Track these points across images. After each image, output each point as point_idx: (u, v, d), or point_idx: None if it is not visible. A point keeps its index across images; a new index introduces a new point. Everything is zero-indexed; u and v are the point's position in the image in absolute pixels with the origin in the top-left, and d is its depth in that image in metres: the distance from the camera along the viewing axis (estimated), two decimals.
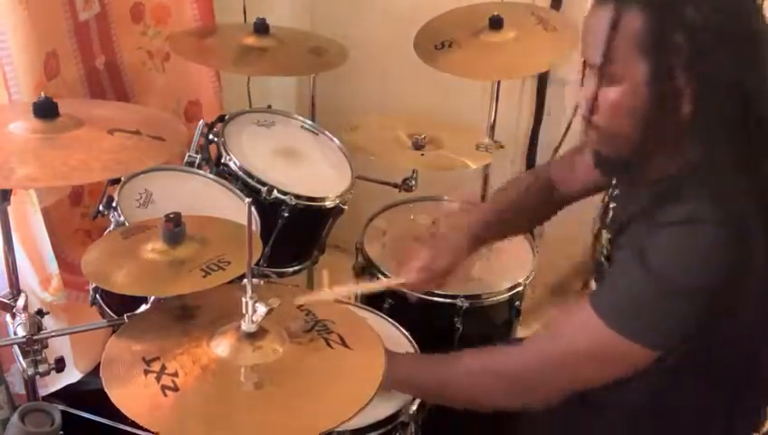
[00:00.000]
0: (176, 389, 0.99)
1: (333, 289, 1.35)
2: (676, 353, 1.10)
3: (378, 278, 1.72)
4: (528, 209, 1.56)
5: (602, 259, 1.28)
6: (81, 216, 1.92)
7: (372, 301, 1.75)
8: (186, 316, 1.16)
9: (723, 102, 1.05)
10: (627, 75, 1.08)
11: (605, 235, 1.28)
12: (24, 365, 1.31)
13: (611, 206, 1.30)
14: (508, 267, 1.80)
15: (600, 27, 1.09)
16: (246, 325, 1.05)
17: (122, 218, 1.52)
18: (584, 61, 1.16)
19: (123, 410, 0.96)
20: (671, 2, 1.05)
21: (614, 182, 1.31)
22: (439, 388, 1.29)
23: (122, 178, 1.60)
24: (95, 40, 1.97)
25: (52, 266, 1.73)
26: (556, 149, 1.25)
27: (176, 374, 1.02)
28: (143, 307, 1.37)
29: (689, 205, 1.06)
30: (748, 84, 1.05)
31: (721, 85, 1.05)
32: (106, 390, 1.00)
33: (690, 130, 1.08)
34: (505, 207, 1.56)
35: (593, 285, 1.33)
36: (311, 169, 1.94)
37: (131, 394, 1.00)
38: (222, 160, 1.81)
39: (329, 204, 1.85)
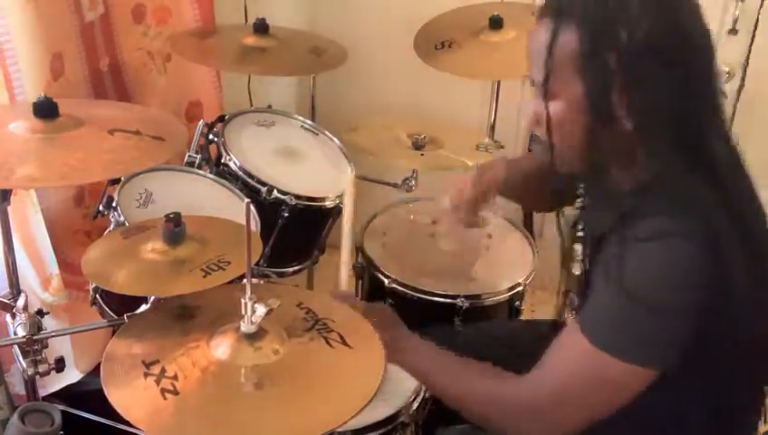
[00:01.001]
0: (175, 392, 0.99)
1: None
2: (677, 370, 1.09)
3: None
4: (538, 187, 1.54)
5: (581, 274, 1.28)
6: (82, 216, 1.93)
7: (372, 301, 1.75)
8: (186, 316, 1.16)
9: (661, 121, 1.06)
10: (565, 92, 1.09)
11: (578, 248, 1.28)
12: (24, 365, 1.31)
13: (581, 219, 1.30)
14: (508, 267, 1.80)
15: (539, 43, 1.09)
16: (246, 326, 1.05)
17: (122, 218, 1.52)
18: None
19: (124, 415, 0.96)
20: (605, 22, 1.04)
21: (580, 192, 1.31)
22: (455, 400, 1.27)
23: (122, 178, 1.60)
24: (100, 41, 1.98)
25: (53, 267, 1.73)
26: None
27: (175, 377, 1.01)
28: (143, 307, 1.37)
29: (656, 220, 1.06)
30: (684, 107, 1.05)
31: (657, 106, 1.05)
32: (106, 394, 1.00)
33: (635, 141, 1.08)
34: (526, 172, 1.54)
35: (574, 300, 1.33)
36: (311, 169, 1.95)
37: (131, 398, 0.99)
38: (222, 160, 1.81)
39: (329, 204, 1.85)
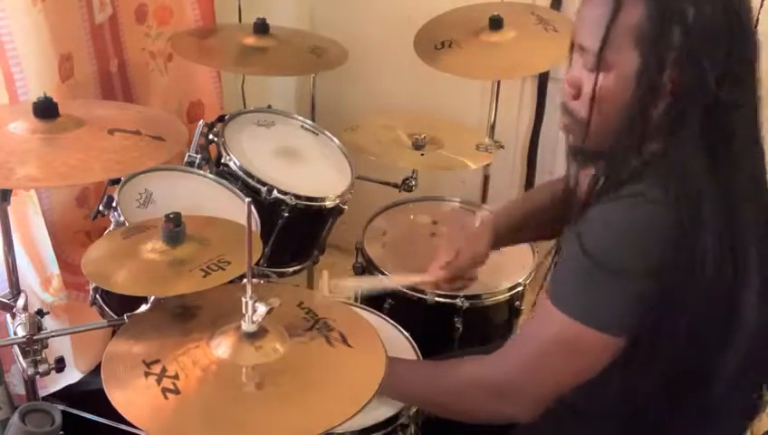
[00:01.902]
0: (177, 391, 0.99)
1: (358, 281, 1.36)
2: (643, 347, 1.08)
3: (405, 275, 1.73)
4: (552, 218, 1.55)
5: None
6: (84, 217, 1.93)
7: (372, 301, 1.75)
8: (186, 316, 1.16)
9: (696, 104, 1.06)
10: (617, 64, 1.08)
11: None
12: (24, 365, 1.31)
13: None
14: (508, 267, 1.80)
15: (599, 13, 1.08)
16: (247, 325, 1.05)
17: (122, 218, 1.51)
18: (571, 46, 1.15)
19: (125, 415, 0.96)
20: None
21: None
22: (429, 399, 1.28)
23: (122, 178, 1.60)
24: (108, 42, 1.98)
25: (53, 267, 1.73)
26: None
27: (176, 377, 1.01)
28: (143, 307, 1.37)
29: (635, 187, 1.05)
30: (722, 94, 1.05)
31: (700, 88, 1.05)
32: (107, 393, 1.00)
33: (660, 124, 1.08)
34: (531, 212, 1.56)
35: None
36: (311, 169, 1.94)
37: (132, 398, 0.99)
38: (222, 160, 1.81)
39: (329, 204, 1.85)
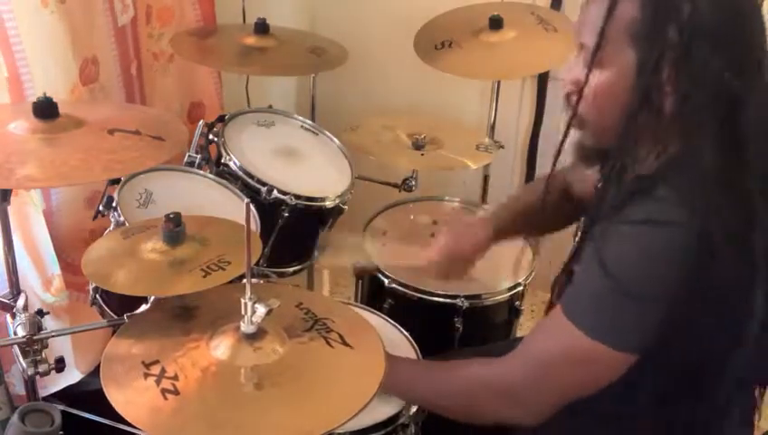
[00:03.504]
0: (176, 392, 0.99)
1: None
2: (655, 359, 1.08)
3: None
4: (548, 213, 1.55)
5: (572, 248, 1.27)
6: (90, 219, 1.93)
7: (372, 301, 1.75)
8: (185, 317, 1.16)
9: (706, 103, 1.04)
10: (614, 62, 1.07)
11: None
12: (24, 365, 1.31)
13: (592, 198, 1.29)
14: (508, 267, 1.80)
15: (596, 9, 1.08)
16: (246, 326, 1.05)
17: (122, 218, 1.51)
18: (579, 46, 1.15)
19: (124, 415, 0.96)
20: None
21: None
22: (435, 399, 1.28)
23: (122, 179, 1.60)
24: (130, 45, 1.98)
25: (54, 267, 1.73)
26: (558, 152, 1.23)
27: (176, 377, 1.01)
28: (143, 307, 1.37)
29: (651, 205, 1.04)
30: (732, 91, 1.03)
31: (706, 87, 1.03)
32: (106, 394, 1.00)
33: (672, 126, 1.06)
34: (529, 207, 1.55)
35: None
36: (311, 169, 1.94)
37: (131, 399, 0.99)
38: (222, 160, 1.81)
39: (329, 204, 1.85)
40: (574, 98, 1.14)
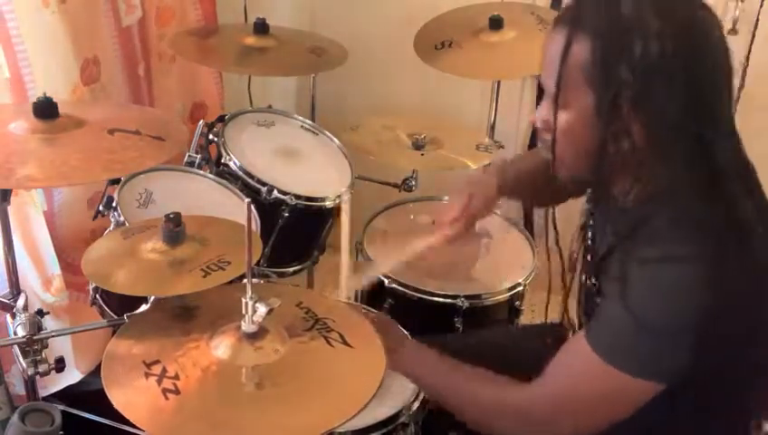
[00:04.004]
0: (177, 392, 0.99)
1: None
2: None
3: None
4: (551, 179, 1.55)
5: (590, 285, 1.28)
6: (91, 219, 1.93)
7: (372, 301, 1.75)
8: (185, 317, 1.16)
9: (672, 135, 1.05)
10: (574, 103, 1.09)
11: (587, 259, 1.28)
12: (24, 365, 1.31)
13: (590, 231, 1.30)
14: (508, 267, 1.80)
15: (553, 51, 1.09)
16: (247, 326, 1.05)
17: (122, 218, 1.52)
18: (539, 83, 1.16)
19: (125, 415, 0.96)
20: (619, 34, 1.03)
21: (589, 206, 1.31)
22: (453, 402, 1.27)
23: (122, 179, 1.60)
24: (137, 46, 1.98)
25: (54, 267, 1.73)
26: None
27: (176, 377, 1.01)
28: (143, 307, 1.37)
29: (664, 242, 1.06)
30: (695, 122, 1.04)
31: (668, 122, 1.04)
32: (107, 394, 1.00)
33: (648, 157, 1.08)
34: (534, 168, 1.51)
35: (579, 311, 1.33)
36: (311, 169, 1.94)
37: (133, 399, 0.99)
38: (222, 160, 1.81)
39: (329, 204, 1.85)
40: (546, 135, 1.16)
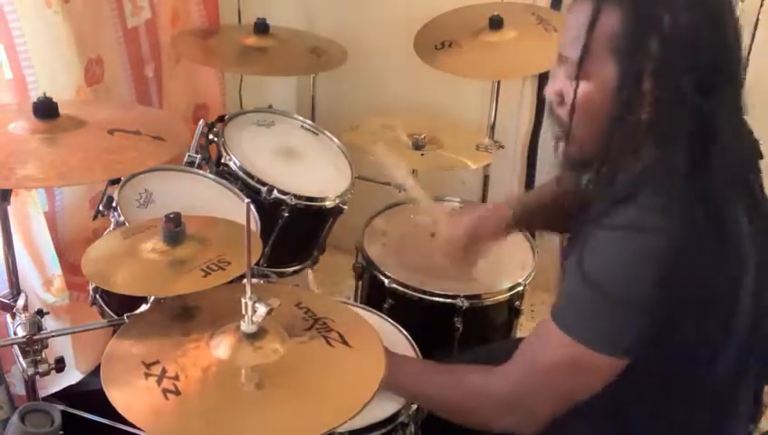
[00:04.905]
0: (177, 392, 0.99)
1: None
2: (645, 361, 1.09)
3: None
4: (555, 212, 1.56)
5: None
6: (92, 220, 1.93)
7: (372, 301, 1.75)
8: (185, 317, 1.16)
9: (679, 115, 1.05)
10: (596, 73, 1.08)
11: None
12: (24, 365, 1.31)
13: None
14: (508, 267, 1.80)
15: (578, 22, 1.08)
16: (246, 326, 1.05)
17: (122, 218, 1.52)
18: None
19: (125, 415, 0.96)
20: (649, 5, 1.04)
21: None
22: (434, 403, 1.29)
23: (122, 179, 1.60)
24: (145, 47, 1.97)
25: (55, 267, 1.73)
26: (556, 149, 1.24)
27: (176, 377, 1.01)
28: (143, 307, 1.37)
29: (631, 210, 1.06)
30: (705, 107, 1.05)
31: (680, 98, 1.04)
32: (107, 394, 1.00)
33: (647, 135, 1.08)
34: (545, 201, 1.55)
35: None
36: (311, 169, 1.94)
37: (133, 399, 0.99)
38: (222, 160, 1.81)
39: (329, 204, 1.85)
40: (559, 109, 1.15)
